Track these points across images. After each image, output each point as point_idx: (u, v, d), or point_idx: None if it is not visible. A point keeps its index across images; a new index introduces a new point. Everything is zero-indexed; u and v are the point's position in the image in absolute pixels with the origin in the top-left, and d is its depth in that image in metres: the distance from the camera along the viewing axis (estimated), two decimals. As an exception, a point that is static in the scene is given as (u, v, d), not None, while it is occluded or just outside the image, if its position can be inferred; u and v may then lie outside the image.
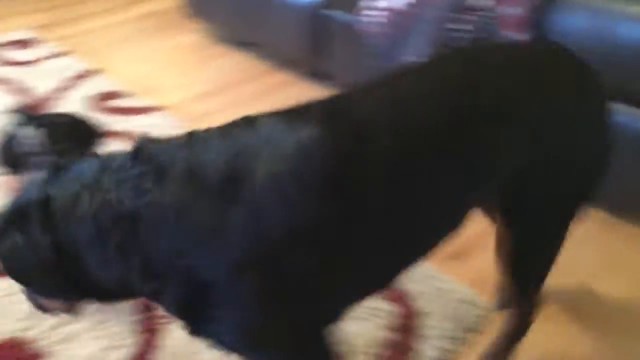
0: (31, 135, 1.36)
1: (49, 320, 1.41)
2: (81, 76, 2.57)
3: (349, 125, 0.87)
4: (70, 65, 2.66)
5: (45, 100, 2.39)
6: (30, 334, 1.42)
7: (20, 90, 2.46)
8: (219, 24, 2.84)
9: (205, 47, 2.89)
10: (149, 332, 1.43)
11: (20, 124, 1.40)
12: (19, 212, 0.86)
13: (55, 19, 3.23)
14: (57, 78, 2.55)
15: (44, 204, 0.85)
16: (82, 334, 1.42)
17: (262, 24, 2.51)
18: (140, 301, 1.47)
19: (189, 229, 0.81)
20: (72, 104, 2.36)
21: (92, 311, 1.45)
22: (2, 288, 1.50)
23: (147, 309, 1.47)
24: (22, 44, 2.86)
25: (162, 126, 2.22)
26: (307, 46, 2.37)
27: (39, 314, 1.03)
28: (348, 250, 0.86)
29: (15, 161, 1.38)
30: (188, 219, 0.81)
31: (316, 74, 2.53)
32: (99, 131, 1.48)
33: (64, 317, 1.27)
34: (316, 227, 0.82)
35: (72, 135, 1.39)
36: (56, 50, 2.80)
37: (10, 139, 1.40)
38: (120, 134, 2.17)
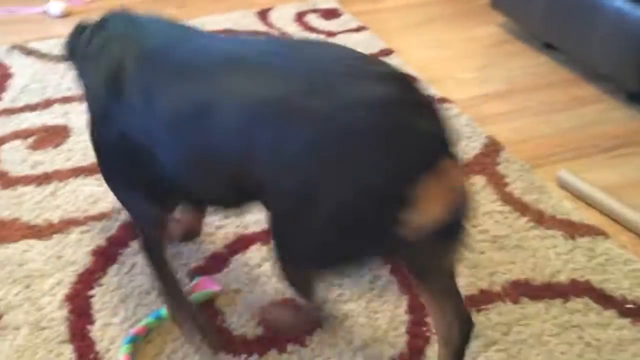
0: None
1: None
2: (374, 54, 2.56)
3: None
4: (364, 42, 2.68)
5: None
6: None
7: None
8: (523, 20, 2.61)
9: (504, 43, 2.68)
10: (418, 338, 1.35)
11: None
12: None
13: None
14: (352, 52, 2.59)
15: None
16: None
17: (580, 29, 2.24)
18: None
19: None
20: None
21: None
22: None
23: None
24: (326, 13, 2.97)
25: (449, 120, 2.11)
26: (633, 65, 2.05)
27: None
28: None
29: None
30: None
31: (635, 97, 2.19)
32: None
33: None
34: None
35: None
36: (353, 24, 2.85)
37: None
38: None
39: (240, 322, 1.40)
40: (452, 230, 1.02)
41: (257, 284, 1.49)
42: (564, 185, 1.82)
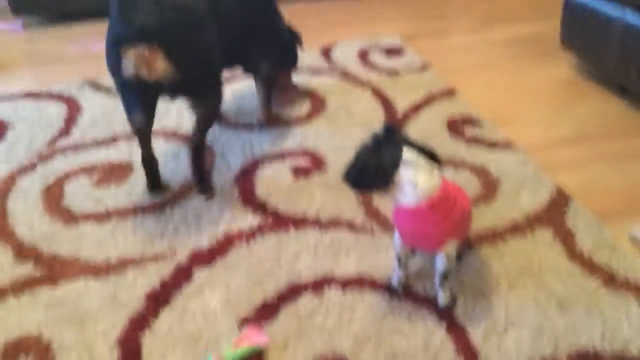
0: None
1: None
2: (436, 95, 2.52)
3: None
4: (427, 81, 2.63)
5: (404, 115, 2.40)
6: None
7: (381, 96, 2.53)
8: (596, 61, 2.50)
9: (575, 85, 2.57)
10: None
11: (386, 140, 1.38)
12: None
13: (419, 29, 3.27)
14: (415, 92, 2.54)
15: None
16: None
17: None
18: None
19: None
20: (426, 122, 2.32)
21: None
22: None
23: None
24: (389, 50, 2.95)
25: (513, 166, 2.03)
26: None
27: None
28: None
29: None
30: None
31: None
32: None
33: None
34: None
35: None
36: (416, 63, 2.81)
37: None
38: (465, 165, 2.05)
39: (288, 378, 1.37)
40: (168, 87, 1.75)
41: (307, 337, 1.45)
42: (637, 244, 1.69)
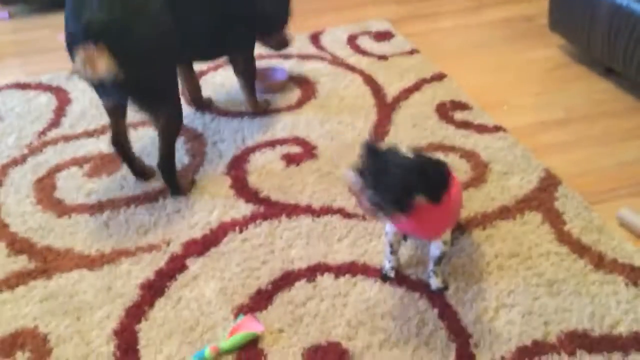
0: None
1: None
2: (426, 79, 2.52)
3: None
4: (417, 65, 2.64)
5: (394, 99, 2.40)
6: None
7: (371, 82, 2.53)
8: (583, 43, 2.50)
9: (563, 67, 2.58)
10: None
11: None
12: None
13: (408, 13, 3.26)
14: (404, 77, 2.55)
15: None
16: None
17: (636, 54, 2.13)
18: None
19: None
20: (416, 107, 2.33)
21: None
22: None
23: None
24: (379, 35, 2.94)
25: (503, 150, 2.04)
26: None
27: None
28: None
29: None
30: None
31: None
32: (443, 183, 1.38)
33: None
34: None
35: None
36: (406, 47, 2.81)
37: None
38: (455, 150, 2.07)
39: (283, 364, 1.39)
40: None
41: (301, 324, 1.47)
42: (625, 225, 1.72)
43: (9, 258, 1.71)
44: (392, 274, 1.59)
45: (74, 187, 1.98)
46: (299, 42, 2.88)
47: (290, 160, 2.07)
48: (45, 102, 2.47)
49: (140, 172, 2.00)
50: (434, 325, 1.45)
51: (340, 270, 1.62)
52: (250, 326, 1.43)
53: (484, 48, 2.82)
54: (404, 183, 1.31)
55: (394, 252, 1.57)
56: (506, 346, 1.39)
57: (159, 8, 1.70)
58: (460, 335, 1.41)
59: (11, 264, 1.69)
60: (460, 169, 1.96)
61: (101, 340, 1.46)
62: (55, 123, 2.32)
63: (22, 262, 1.70)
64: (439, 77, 2.53)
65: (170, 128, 1.86)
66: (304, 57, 2.76)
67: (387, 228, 1.54)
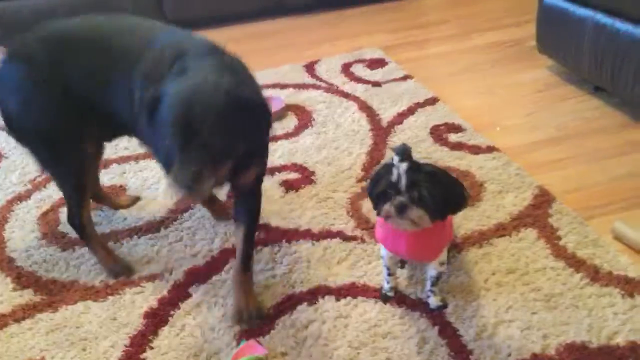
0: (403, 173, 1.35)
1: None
2: (419, 103, 2.58)
3: None
4: (410, 91, 2.70)
5: (389, 124, 2.46)
6: None
7: (366, 108, 2.58)
8: (572, 63, 2.56)
9: (553, 87, 2.64)
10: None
11: (399, 161, 1.37)
12: None
13: (400, 41, 3.34)
14: (398, 102, 2.61)
15: None
16: None
17: (632, 71, 2.17)
18: None
19: None
20: (411, 131, 2.38)
21: None
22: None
23: None
24: (372, 62, 3.02)
25: (497, 169, 2.08)
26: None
27: None
28: None
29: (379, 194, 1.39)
30: None
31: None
32: (465, 199, 1.42)
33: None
34: None
35: (434, 187, 1.34)
36: (399, 73, 2.87)
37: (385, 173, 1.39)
38: (450, 171, 2.10)
39: (287, 386, 1.40)
40: None
41: (304, 347, 1.49)
42: (620, 238, 1.75)
43: (15, 292, 1.74)
44: (391, 294, 1.61)
45: (77, 220, 2.02)
46: (295, 72, 2.95)
47: (289, 186, 2.11)
48: (48, 139, 2.53)
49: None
50: (434, 343, 1.47)
51: (340, 293, 1.64)
52: (253, 350, 1.45)
53: (474, 72, 2.88)
54: (454, 192, 1.37)
55: (391, 274, 1.60)
56: (506, 361, 1.41)
57: (43, 68, 1.61)
58: (461, 352, 1.43)
59: (17, 297, 1.72)
60: (455, 189, 2.00)
61: (107, 370, 1.48)
62: (58, 159, 2.37)
63: (28, 296, 1.73)
64: (432, 101, 2.59)
65: (65, 193, 1.80)
66: (300, 86, 2.83)
67: (383, 252, 1.57)
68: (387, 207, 1.35)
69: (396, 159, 1.35)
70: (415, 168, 1.34)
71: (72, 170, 1.71)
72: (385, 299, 1.61)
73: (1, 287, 1.77)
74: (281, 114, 2.56)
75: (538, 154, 2.19)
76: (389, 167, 1.37)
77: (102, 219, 2.01)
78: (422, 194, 1.32)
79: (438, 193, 1.33)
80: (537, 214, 1.86)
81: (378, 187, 1.38)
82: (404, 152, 1.36)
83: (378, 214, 1.41)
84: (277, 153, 2.30)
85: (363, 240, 1.81)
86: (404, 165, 1.33)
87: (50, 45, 1.61)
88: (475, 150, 2.22)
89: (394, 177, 1.34)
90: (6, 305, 1.70)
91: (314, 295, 1.64)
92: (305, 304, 1.62)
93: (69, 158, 1.69)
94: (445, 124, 2.41)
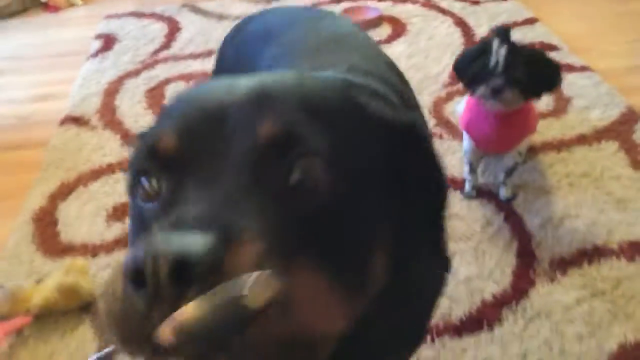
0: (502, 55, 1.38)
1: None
2: (517, 22, 2.54)
3: None
4: (509, 10, 2.66)
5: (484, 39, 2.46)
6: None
7: (462, 24, 2.58)
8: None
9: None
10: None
11: (499, 42, 1.40)
12: None
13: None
14: (496, 20, 2.57)
15: None
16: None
17: None
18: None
19: None
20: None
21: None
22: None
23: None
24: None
25: (587, 87, 2.06)
26: None
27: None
28: None
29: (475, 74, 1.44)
30: None
31: None
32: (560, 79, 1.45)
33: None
34: None
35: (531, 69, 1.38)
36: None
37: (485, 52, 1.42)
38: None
39: None
40: None
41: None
42: None
43: (122, 148, 1.96)
44: (473, 194, 1.64)
45: (180, 96, 2.21)
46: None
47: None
48: (158, 28, 2.72)
49: None
50: (498, 226, 1.54)
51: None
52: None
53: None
54: (549, 72, 1.41)
55: (473, 170, 1.65)
56: (567, 248, 1.46)
57: None
58: (523, 236, 1.50)
59: (124, 153, 1.94)
60: (541, 102, 2.00)
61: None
62: (166, 46, 2.56)
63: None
64: (531, 21, 2.55)
65: None
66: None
67: (466, 146, 1.62)
68: (483, 90, 1.41)
69: (496, 40, 1.39)
70: (514, 50, 1.38)
71: None
72: (468, 197, 1.64)
73: (112, 142, 1.99)
74: (376, 22, 2.62)
75: (632, 78, 2.14)
76: (485, 47, 1.41)
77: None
78: (519, 76, 1.37)
79: (534, 74, 1.37)
80: (622, 129, 1.85)
81: (474, 67, 1.43)
82: (505, 33, 1.40)
83: (472, 94, 1.47)
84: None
85: (441, 137, 1.88)
86: (503, 48, 1.37)
87: None
88: (568, 68, 2.18)
89: (493, 59, 1.38)
90: (114, 157, 1.92)
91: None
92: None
93: None
94: (541, 43, 2.37)
